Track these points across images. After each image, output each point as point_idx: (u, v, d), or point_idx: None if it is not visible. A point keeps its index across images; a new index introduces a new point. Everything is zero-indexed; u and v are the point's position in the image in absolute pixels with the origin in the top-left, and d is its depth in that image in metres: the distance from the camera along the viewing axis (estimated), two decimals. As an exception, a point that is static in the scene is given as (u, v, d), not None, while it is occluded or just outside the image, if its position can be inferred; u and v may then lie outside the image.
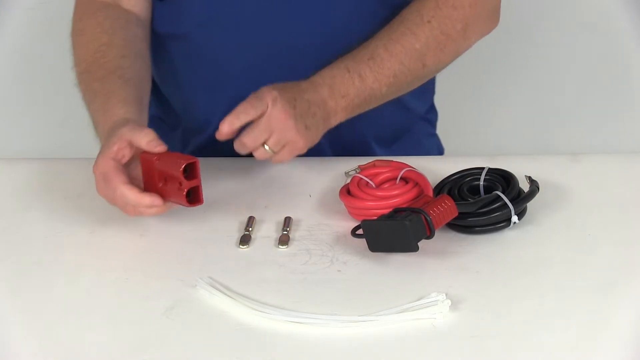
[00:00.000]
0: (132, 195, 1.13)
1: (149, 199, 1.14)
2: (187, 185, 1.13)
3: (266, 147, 1.21)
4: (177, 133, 1.47)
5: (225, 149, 1.38)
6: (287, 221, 1.19)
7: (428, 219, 1.09)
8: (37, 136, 2.26)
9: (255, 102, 1.20)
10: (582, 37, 2.17)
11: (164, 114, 1.49)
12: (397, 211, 1.12)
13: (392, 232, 1.10)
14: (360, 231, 1.13)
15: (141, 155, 1.16)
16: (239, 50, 1.35)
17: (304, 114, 1.23)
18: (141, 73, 1.32)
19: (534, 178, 1.20)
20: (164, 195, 1.15)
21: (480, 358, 0.96)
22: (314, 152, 1.38)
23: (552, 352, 0.96)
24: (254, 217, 1.20)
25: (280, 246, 1.15)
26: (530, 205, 1.18)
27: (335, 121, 1.28)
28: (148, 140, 1.15)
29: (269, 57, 1.35)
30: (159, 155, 1.15)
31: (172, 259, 1.13)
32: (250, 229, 1.18)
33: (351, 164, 1.31)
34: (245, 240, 1.16)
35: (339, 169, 1.31)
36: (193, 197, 1.15)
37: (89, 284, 1.09)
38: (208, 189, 1.27)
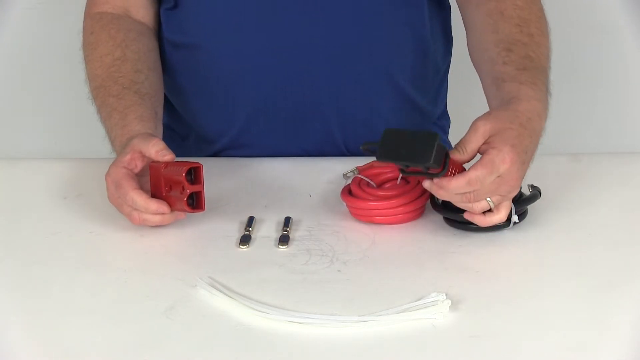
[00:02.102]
0: (141, 200, 1.15)
1: (155, 205, 1.15)
2: (189, 188, 1.14)
3: (488, 199, 1.11)
4: (189, 142, 1.47)
5: (237, 155, 1.38)
6: (287, 221, 1.19)
7: (447, 160, 1.07)
8: (37, 136, 2.27)
9: (484, 180, 1.09)
10: (582, 37, 2.18)
11: (174, 123, 1.49)
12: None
13: (416, 140, 1.05)
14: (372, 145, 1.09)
15: (150, 164, 1.18)
16: (249, 59, 1.35)
17: (526, 167, 1.13)
18: (155, 86, 1.33)
19: (537, 181, 1.20)
20: (168, 204, 1.16)
21: (480, 358, 0.96)
22: (333, 153, 1.38)
23: (552, 352, 0.96)
24: (254, 217, 1.20)
25: (280, 246, 1.15)
26: (531, 205, 1.18)
27: None
28: (156, 150, 1.16)
29: (280, 66, 1.34)
30: (167, 163, 1.17)
31: (172, 259, 1.14)
32: (250, 229, 1.18)
33: (350, 164, 1.31)
34: (245, 240, 1.16)
35: (339, 169, 1.31)
36: (195, 203, 1.16)
37: (89, 284, 1.09)
38: (208, 189, 1.27)
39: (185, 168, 1.14)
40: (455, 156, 1.11)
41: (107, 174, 1.18)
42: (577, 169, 1.33)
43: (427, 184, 1.11)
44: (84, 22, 1.40)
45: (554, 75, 2.24)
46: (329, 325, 1.00)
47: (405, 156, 1.06)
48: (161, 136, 1.28)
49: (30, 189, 1.30)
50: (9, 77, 2.24)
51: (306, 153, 1.39)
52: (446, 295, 1.02)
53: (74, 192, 1.28)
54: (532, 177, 1.21)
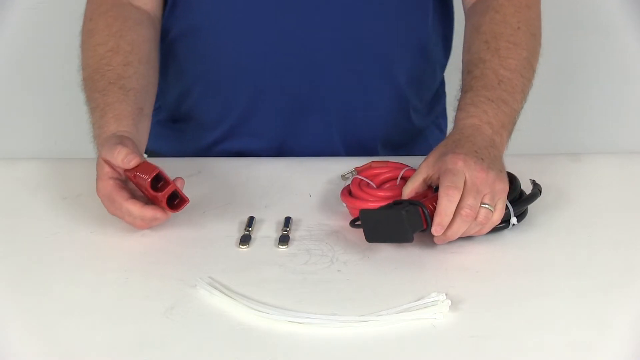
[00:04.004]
0: (136, 210, 1.15)
1: (151, 213, 1.15)
2: (162, 197, 1.14)
3: (484, 205, 1.11)
4: (188, 133, 1.47)
5: (236, 146, 1.38)
6: (287, 221, 1.19)
7: (425, 211, 1.10)
8: (37, 136, 2.26)
9: (454, 179, 1.11)
10: (582, 37, 2.18)
11: (175, 112, 1.49)
12: (396, 203, 1.13)
13: (389, 221, 1.10)
14: (359, 222, 1.13)
15: (125, 172, 1.17)
16: (252, 44, 1.35)
17: (491, 160, 1.15)
18: (144, 80, 1.31)
19: (537, 181, 1.20)
20: (158, 204, 1.16)
21: (480, 358, 0.96)
22: (329, 150, 1.38)
23: (552, 352, 0.96)
24: (254, 217, 1.20)
25: (280, 246, 1.15)
26: (531, 205, 1.18)
27: (502, 153, 1.20)
28: (121, 158, 1.15)
29: (282, 55, 1.34)
30: (135, 171, 1.15)
31: (172, 259, 1.13)
32: (250, 229, 1.18)
33: (349, 165, 1.30)
34: (245, 240, 1.16)
35: (339, 169, 1.31)
36: (177, 202, 1.16)
37: (89, 284, 1.09)
38: (208, 189, 1.27)
39: (148, 180, 1.13)
40: (412, 185, 1.15)
41: (98, 191, 1.17)
42: (577, 169, 1.33)
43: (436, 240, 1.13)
44: (86, 6, 1.38)
45: (554, 76, 2.25)
46: (329, 325, 1.00)
47: (389, 238, 1.12)
48: (146, 132, 1.28)
49: (30, 189, 1.30)
50: (8, 77, 2.24)
51: (303, 149, 1.40)
52: (446, 295, 1.02)
53: (74, 192, 1.28)
54: (532, 177, 1.21)
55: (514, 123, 1.25)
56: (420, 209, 1.10)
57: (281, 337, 0.99)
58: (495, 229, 1.15)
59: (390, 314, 1.00)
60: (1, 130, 2.27)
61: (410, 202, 1.11)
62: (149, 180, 1.13)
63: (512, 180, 1.19)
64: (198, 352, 0.97)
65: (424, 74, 1.45)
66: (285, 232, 1.17)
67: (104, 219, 1.21)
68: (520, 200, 1.17)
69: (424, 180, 1.16)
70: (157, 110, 1.46)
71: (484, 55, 1.27)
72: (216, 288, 1.05)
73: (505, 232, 1.16)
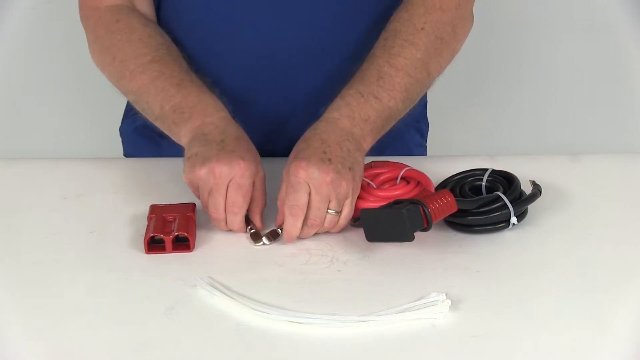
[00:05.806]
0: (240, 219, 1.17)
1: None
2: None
3: (330, 211, 1.15)
4: (166, 141, 1.46)
5: None
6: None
7: (426, 210, 1.09)
8: (37, 136, 2.27)
9: (296, 197, 1.14)
10: (581, 37, 2.18)
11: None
12: (396, 202, 1.13)
13: (390, 221, 1.10)
14: (359, 221, 1.13)
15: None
16: (226, 58, 1.35)
17: (340, 158, 1.16)
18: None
19: (536, 181, 1.20)
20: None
21: (480, 358, 0.96)
22: None
23: (552, 352, 0.96)
24: (253, 217, 1.21)
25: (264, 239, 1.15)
26: (531, 205, 1.18)
27: (366, 146, 1.21)
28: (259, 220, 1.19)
29: (256, 65, 1.34)
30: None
31: (172, 259, 1.13)
32: (250, 228, 1.18)
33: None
34: (256, 236, 1.16)
35: (339, 169, 1.31)
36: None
37: (89, 284, 1.09)
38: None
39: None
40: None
41: (255, 171, 1.18)
42: (577, 169, 1.33)
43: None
44: (94, 14, 1.37)
45: (554, 76, 2.24)
46: (329, 325, 1.00)
47: (390, 237, 1.12)
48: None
49: (30, 189, 1.30)
50: (9, 77, 2.24)
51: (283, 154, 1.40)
52: (446, 295, 1.02)
53: (74, 192, 1.28)
54: (532, 177, 1.21)
55: (387, 120, 1.23)
56: (421, 208, 1.10)
57: (281, 337, 0.99)
58: (495, 229, 1.15)
59: (390, 314, 1.01)
60: (1, 130, 2.27)
61: (411, 201, 1.11)
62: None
63: (512, 180, 1.19)
64: (198, 352, 0.97)
65: None
66: (274, 229, 1.17)
67: (104, 219, 1.21)
68: (520, 200, 1.17)
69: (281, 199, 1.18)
70: (133, 117, 1.45)
71: (376, 51, 1.27)
72: (216, 288, 1.05)
73: (505, 232, 1.16)
